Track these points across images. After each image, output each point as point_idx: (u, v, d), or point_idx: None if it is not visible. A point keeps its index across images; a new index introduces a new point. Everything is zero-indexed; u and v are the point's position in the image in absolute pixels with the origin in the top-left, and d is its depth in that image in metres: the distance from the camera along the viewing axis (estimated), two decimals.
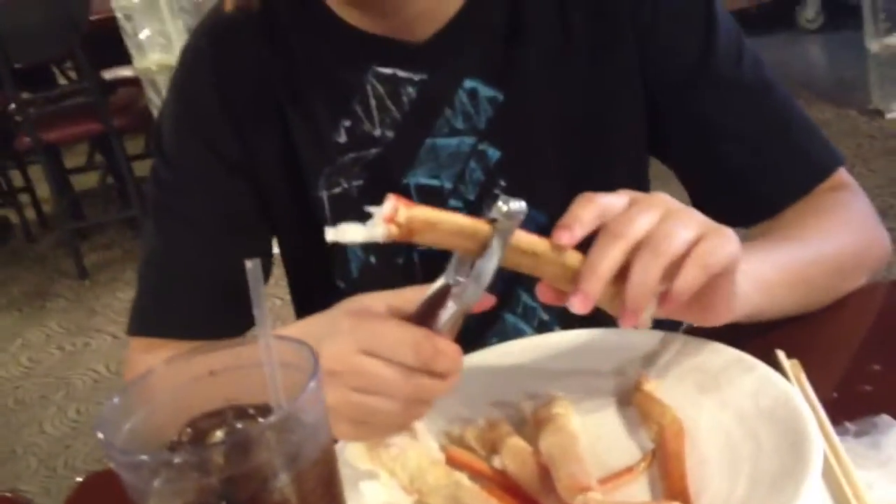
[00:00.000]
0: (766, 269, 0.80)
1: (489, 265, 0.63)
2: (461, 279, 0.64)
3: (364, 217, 0.97)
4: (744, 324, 0.79)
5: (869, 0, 4.09)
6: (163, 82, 4.03)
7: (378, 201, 0.98)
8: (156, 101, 4.15)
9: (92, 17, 4.13)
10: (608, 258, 0.65)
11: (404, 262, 0.98)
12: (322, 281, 1.01)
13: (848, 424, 0.70)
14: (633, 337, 0.81)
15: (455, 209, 0.97)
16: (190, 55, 1.01)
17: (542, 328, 1.01)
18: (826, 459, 0.64)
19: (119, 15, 3.88)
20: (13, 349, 3.85)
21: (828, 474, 0.64)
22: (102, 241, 4.83)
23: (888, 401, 0.72)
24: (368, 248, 0.99)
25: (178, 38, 3.89)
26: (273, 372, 0.52)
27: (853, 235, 0.94)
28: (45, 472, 2.91)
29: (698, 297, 0.68)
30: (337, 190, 0.98)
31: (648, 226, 0.66)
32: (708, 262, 0.66)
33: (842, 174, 0.98)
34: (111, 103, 4.41)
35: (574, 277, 0.66)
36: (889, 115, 4.11)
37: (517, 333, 1.00)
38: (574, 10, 0.96)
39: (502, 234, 0.62)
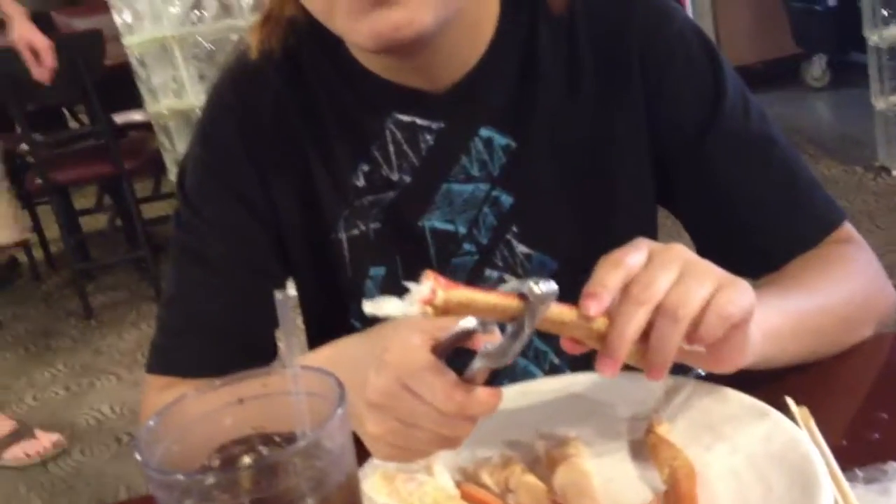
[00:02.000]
0: (774, 318, 0.82)
1: (521, 337, 0.65)
2: (490, 347, 0.66)
3: (383, 258, 1.00)
4: (754, 371, 0.80)
5: (875, 58, 4.15)
6: (174, 127, 4.09)
7: (395, 243, 1.01)
8: (167, 144, 4.20)
9: (106, 63, 4.20)
10: (632, 324, 0.68)
11: None
12: (338, 321, 1.03)
13: (857, 471, 0.71)
14: (646, 381, 0.82)
15: (468, 253, 1.00)
16: (215, 100, 1.03)
17: (553, 372, 1.03)
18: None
19: (133, 60, 3.94)
20: (18, 388, 3.85)
21: None
22: (109, 282, 4.85)
23: (894, 449, 0.74)
24: (385, 291, 1.00)
25: (191, 84, 3.95)
26: (300, 400, 0.54)
27: (860, 287, 0.96)
28: None
29: (711, 345, 0.71)
30: (355, 232, 1.00)
31: (668, 285, 0.69)
32: (725, 314, 0.69)
33: (847, 229, 1.00)
34: (122, 146, 4.46)
35: (600, 337, 0.69)
36: (894, 172, 4.14)
37: (528, 376, 1.02)
38: (585, 61, 0.98)
39: (533, 312, 0.65)
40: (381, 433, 0.70)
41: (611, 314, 0.69)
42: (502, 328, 0.67)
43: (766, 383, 0.82)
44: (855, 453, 0.73)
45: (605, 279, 0.69)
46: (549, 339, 0.99)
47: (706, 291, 0.69)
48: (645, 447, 0.78)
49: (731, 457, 0.74)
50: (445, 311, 0.62)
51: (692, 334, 0.69)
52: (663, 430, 0.78)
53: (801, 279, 0.93)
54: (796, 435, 0.73)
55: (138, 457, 0.48)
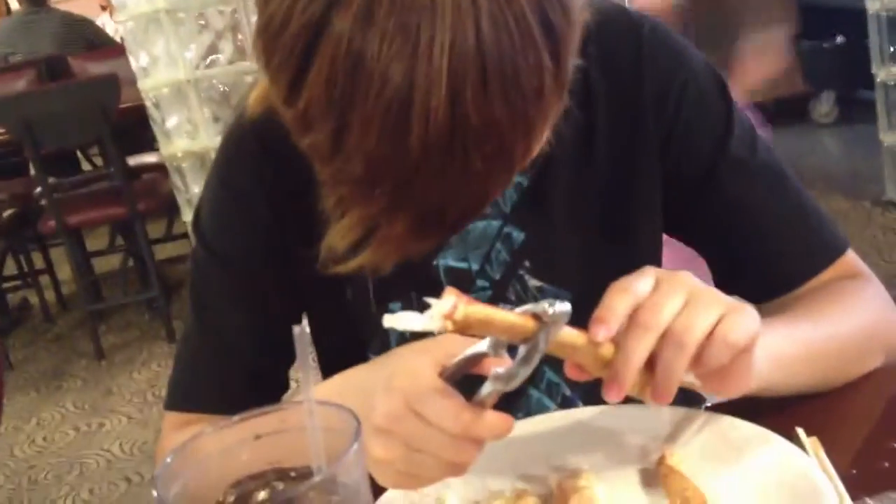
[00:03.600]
0: (781, 344, 0.83)
1: (533, 359, 0.67)
2: (500, 371, 0.67)
3: (398, 296, 1.01)
4: (762, 400, 0.81)
5: (883, 94, 4.17)
6: (188, 168, 4.11)
7: (410, 282, 1.02)
8: (179, 185, 4.22)
9: (121, 105, 4.25)
10: (639, 349, 0.70)
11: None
12: (352, 355, 1.04)
13: (867, 501, 0.72)
14: (657, 412, 0.83)
15: (481, 289, 1.01)
16: (232, 142, 1.04)
17: (566, 404, 1.03)
18: None
19: (148, 103, 3.98)
20: (28, 429, 3.85)
21: None
22: (120, 322, 4.87)
23: None
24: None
25: (205, 126, 3.98)
26: (315, 435, 0.55)
27: (869, 317, 0.96)
28: None
29: (717, 371, 0.72)
30: (370, 275, 1.01)
31: (674, 311, 0.70)
32: (731, 341, 0.70)
33: (854, 259, 1.02)
34: (135, 188, 4.49)
35: (606, 365, 0.70)
36: None
37: (541, 408, 1.03)
38: (600, 102, 1.00)
39: (547, 332, 0.66)
40: (387, 458, 0.70)
41: (618, 340, 0.70)
42: (511, 353, 0.68)
43: (776, 413, 0.82)
44: (865, 482, 0.74)
45: (613, 305, 0.71)
46: (562, 371, 1.00)
47: (712, 318, 0.70)
48: (656, 478, 0.78)
49: (742, 487, 0.75)
50: (465, 326, 0.63)
51: (697, 361, 0.70)
52: (674, 460, 0.78)
53: (810, 307, 0.94)
54: (806, 465, 0.73)
55: (155, 493, 0.49)
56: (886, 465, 0.78)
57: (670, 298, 0.71)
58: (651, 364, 0.70)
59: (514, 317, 0.66)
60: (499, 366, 0.68)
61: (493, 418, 0.68)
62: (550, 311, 0.66)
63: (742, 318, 0.71)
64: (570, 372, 0.73)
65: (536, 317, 0.66)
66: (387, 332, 1.02)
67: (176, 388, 1.04)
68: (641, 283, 0.72)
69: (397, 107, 0.62)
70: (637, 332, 0.70)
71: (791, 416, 0.83)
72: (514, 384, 0.67)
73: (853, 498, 0.71)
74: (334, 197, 0.72)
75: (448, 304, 0.62)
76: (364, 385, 0.75)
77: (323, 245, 0.76)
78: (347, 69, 0.63)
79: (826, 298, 0.96)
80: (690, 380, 0.73)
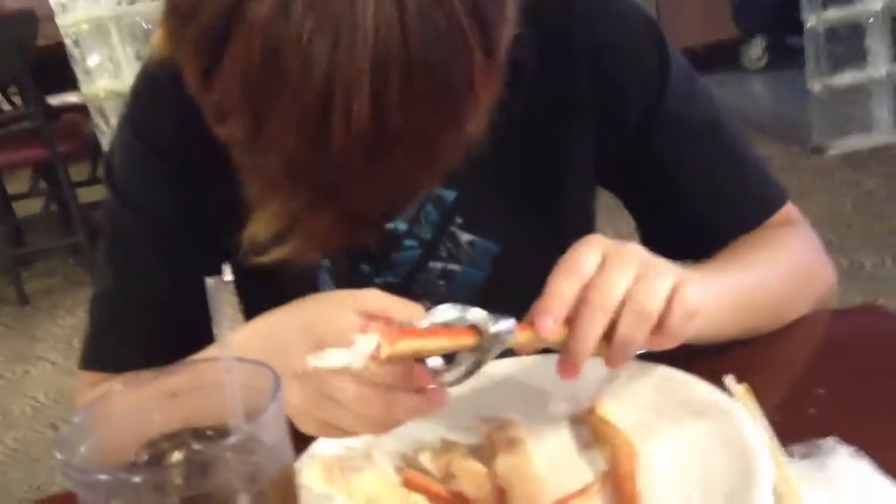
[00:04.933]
0: (714, 294, 0.82)
1: (474, 372, 0.66)
2: (445, 378, 0.66)
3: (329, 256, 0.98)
4: (692, 348, 0.80)
5: (812, 41, 4.21)
6: (111, 109, 3.99)
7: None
8: (103, 127, 4.10)
9: (39, 43, 4.09)
10: (593, 330, 0.69)
11: None
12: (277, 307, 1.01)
13: (794, 447, 0.72)
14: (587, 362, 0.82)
15: (410, 248, 0.99)
16: (141, 85, 1.00)
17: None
18: (775, 480, 0.66)
19: (67, 41, 3.84)
20: None
21: (777, 495, 0.66)
22: (44, 267, 4.75)
23: (832, 424, 0.74)
24: (337, 279, 0.99)
25: (128, 65, 3.86)
26: (233, 393, 0.52)
27: (799, 265, 0.96)
28: None
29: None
30: None
31: (626, 287, 0.70)
32: (689, 310, 0.71)
33: (790, 210, 1.01)
34: (56, 129, 4.35)
35: (561, 346, 0.70)
36: (829, 153, 4.22)
37: None
38: (526, 48, 0.97)
39: (487, 351, 0.65)
40: (303, 406, 0.66)
41: (570, 321, 0.69)
42: None
43: (704, 360, 0.82)
44: (792, 429, 0.74)
45: (558, 291, 0.69)
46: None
47: (668, 288, 0.70)
48: (586, 429, 0.78)
49: (672, 435, 0.74)
50: (392, 361, 0.62)
51: (657, 331, 0.70)
52: (604, 411, 0.77)
53: (741, 256, 0.94)
54: (735, 412, 0.73)
55: (59, 455, 0.46)
56: (813, 411, 0.79)
57: (621, 273, 0.70)
58: (606, 334, 0.70)
59: (447, 341, 0.64)
60: (442, 369, 0.66)
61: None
62: (493, 330, 0.65)
63: (694, 287, 0.72)
64: (564, 373, 0.71)
65: (475, 329, 0.65)
66: (315, 288, 1.00)
67: (92, 347, 0.99)
68: (587, 261, 0.71)
69: (317, 104, 0.59)
70: (590, 313, 0.69)
71: (720, 364, 0.82)
72: (450, 384, 0.66)
73: (782, 444, 0.71)
74: (254, 187, 0.69)
75: (372, 346, 0.61)
76: (280, 330, 0.72)
77: (245, 233, 0.73)
78: (263, 62, 0.59)
79: (757, 246, 0.96)
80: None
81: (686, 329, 0.72)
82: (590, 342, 0.69)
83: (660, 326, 0.71)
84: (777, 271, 0.93)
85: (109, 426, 0.52)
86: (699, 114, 0.99)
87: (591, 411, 0.78)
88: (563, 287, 0.69)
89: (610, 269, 0.70)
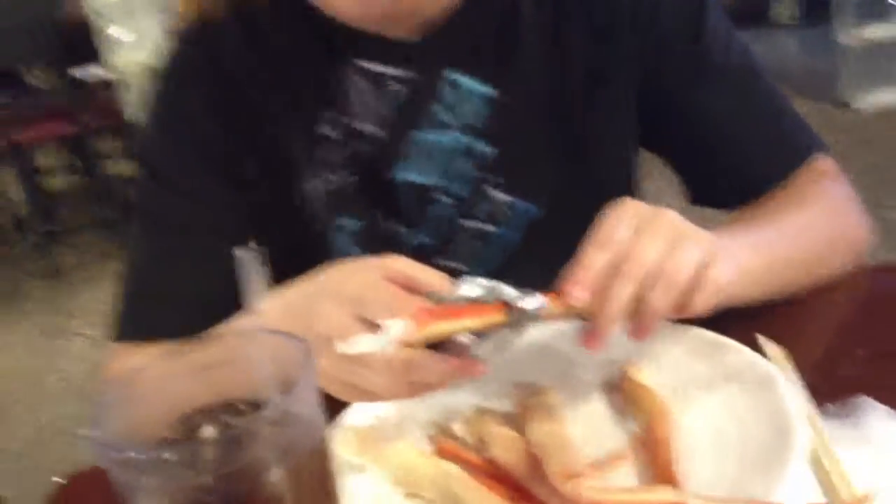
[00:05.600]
0: (746, 254, 0.81)
1: (505, 348, 0.67)
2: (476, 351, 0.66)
3: (355, 211, 0.98)
4: (726, 310, 0.79)
5: None
6: (137, 82, 4.00)
7: (368, 196, 0.98)
8: (130, 100, 4.12)
9: (63, 17, 4.09)
10: (622, 302, 0.68)
11: None
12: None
13: (830, 406, 0.71)
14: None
15: (445, 205, 0.98)
16: (173, 62, 1.00)
17: None
18: (810, 441, 0.65)
19: (91, 14, 3.85)
20: None
21: (812, 455, 0.65)
22: (77, 243, 4.78)
23: (868, 384, 0.73)
24: (358, 242, 0.98)
25: (153, 38, 3.86)
26: (265, 366, 0.52)
27: (832, 220, 0.95)
28: (16, 474, 2.88)
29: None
30: (323, 184, 0.97)
31: (658, 258, 0.69)
32: (720, 287, 0.71)
33: (826, 162, 1.00)
34: (83, 103, 4.36)
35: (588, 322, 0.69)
36: (860, 107, 4.15)
37: None
38: (571, 4, 0.96)
39: (517, 327, 0.66)
40: (333, 370, 0.66)
41: (598, 291, 0.68)
42: None
43: (739, 322, 0.81)
44: (828, 389, 0.73)
45: (590, 263, 0.69)
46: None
47: (698, 259, 0.70)
48: (619, 394, 0.77)
49: (707, 398, 0.74)
50: (423, 343, 0.63)
51: (683, 304, 0.70)
52: (638, 374, 0.77)
53: (774, 213, 0.93)
54: (770, 373, 0.72)
55: (92, 432, 0.46)
56: (848, 372, 0.77)
57: (652, 244, 0.69)
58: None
59: (474, 321, 0.65)
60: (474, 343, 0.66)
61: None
62: (523, 306, 0.65)
63: (726, 264, 0.71)
64: (588, 344, 0.70)
65: (505, 304, 0.65)
66: (340, 257, 0.99)
67: (126, 318, 1.00)
68: (620, 230, 0.70)
69: None
70: (619, 284, 0.68)
71: (754, 325, 0.81)
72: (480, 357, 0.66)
73: (818, 405, 0.71)
74: None
75: (402, 329, 0.62)
76: (309, 296, 0.72)
77: None
78: None
79: (791, 202, 0.94)
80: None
81: (711, 304, 0.72)
82: (617, 313, 0.68)
83: (685, 300, 0.70)
84: (810, 228, 0.92)
85: (140, 401, 0.51)
86: (735, 61, 0.99)
87: (624, 376, 0.77)
88: (594, 257, 0.69)
89: (642, 240, 0.69)
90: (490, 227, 0.99)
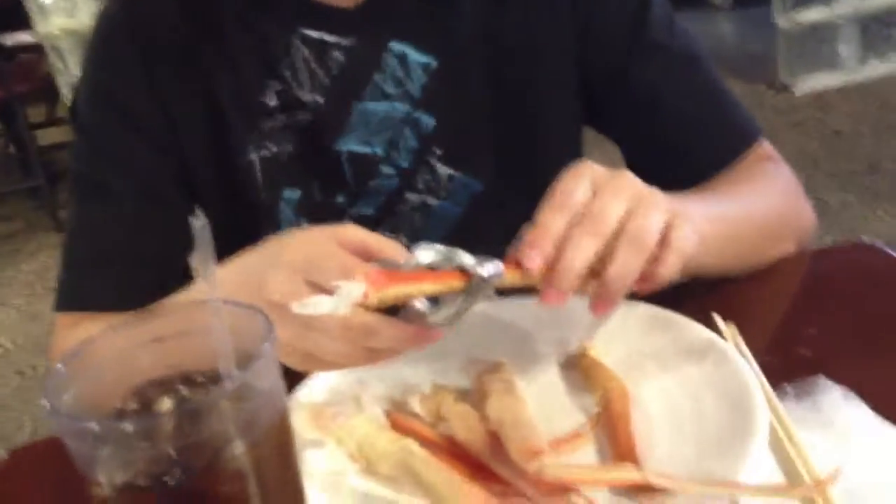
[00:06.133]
0: (702, 222, 0.80)
1: (461, 314, 0.64)
2: (433, 318, 0.65)
3: (298, 181, 0.96)
4: (678, 287, 0.79)
5: None
6: (66, 47, 3.90)
7: (310, 166, 0.97)
8: (59, 67, 4.01)
9: None
10: (582, 255, 0.65)
11: None
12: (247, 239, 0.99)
13: (787, 387, 0.71)
14: (576, 303, 0.80)
15: (388, 176, 0.97)
16: (105, 23, 0.97)
17: None
18: (769, 421, 0.65)
19: None
20: None
21: (772, 436, 0.65)
22: (4, 212, 4.65)
23: (824, 364, 0.74)
24: (301, 213, 0.96)
25: (84, 2, 3.75)
26: (223, 337, 0.50)
27: (781, 200, 0.96)
28: None
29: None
30: (266, 153, 0.95)
31: (619, 218, 0.66)
32: (684, 251, 0.68)
33: (766, 147, 1.01)
34: (11, 70, 4.24)
35: (547, 276, 0.66)
36: (795, 90, 4.22)
37: None
38: None
39: (475, 294, 0.64)
40: (287, 338, 0.64)
41: (559, 251, 0.66)
42: None
43: (693, 300, 0.81)
44: (783, 370, 0.73)
45: (548, 224, 0.66)
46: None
47: (661, 224, 0.67)
48: (577, 371, 0.77)
49: (663, 375, 0.74)
50: (379, 305, 0.61)
51: (648, 271, 0.67)
52: (595, 352, 0.76)
53: (725, 190, 0.93)
54: (726, 351, 0.73)
55: (45, 403, 0.44)
56: (803, 351, 0.78)
57: (615, 202, 0.66)
58: (594, 272, 0.67)
59: (433, 284, 0.63)
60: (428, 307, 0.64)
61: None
62: (480, 272, 0.63)
63: (689, 225, 0.69)
64: (548, 298, 0.67)
65: (462, 271, 0.63)
66: (278, 226, 0.97)
67: (68, 286, 0.97)
68: (578, 192, 0.67)
69: None
70: (579, 236, 0.65)
71: (708, 303, 0.82)
72: (435, 325, 0.65)
73: (773, 386, 0.71)
74: None
75: (358, 291, 0.60)
76: (260, 264, 0.70)
77: None
78: None
79: (739, 180, 0.95)
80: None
81: (676, 269, 0.69)
82: (578, 266, 0.65)
83: (652, 266, 0.68)
84: (760, 205, 0.93)
85: (95, 372, 0.49)
86: (678, 44, 0.99)
87: (581, 353, 0.77)
88: (552, 220, 0.66)
89: (603, 198, 0.67)
90: (432, 200, 0.98)
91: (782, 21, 4.21)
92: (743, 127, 1.00)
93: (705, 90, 0.99)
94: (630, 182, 0.69)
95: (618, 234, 0.66)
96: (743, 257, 0.90)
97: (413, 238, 0.98)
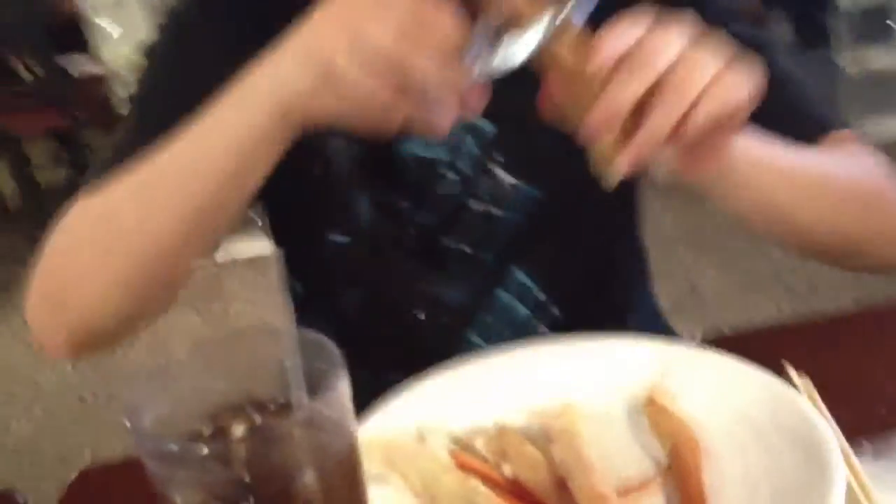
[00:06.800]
0: (757, 146, 0.78)
1: (528, 38, 0.64)
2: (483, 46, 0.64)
3: (366, 187, 0.94)
4: (750, 337, 0.77)
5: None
6: (125, 75, 3.97)
7: (374, 171, 0.95)
8: (120, 94, 4.09)
9: (57, 10, 4.07)
10: (632, 87, 0.63)
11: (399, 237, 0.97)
12: (313, 238, 0.98)
13: (865, 443, 0.69)
14: (645, 348, 0.79)
15: (451, 182, 0.96)
16: None
17: (539, 309, 0.99)
18: (847, 479, 0.63)
19: (86, 8, 3.82)
20: None
21: (848, 495, 0.63)
22: None
23: None
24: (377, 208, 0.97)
25: (146, 33, 3.84)
26: (295, 365, 0.50)
27: (871, 175, 0.91)
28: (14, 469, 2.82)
29: (693, 143, 0.66)
30: (345, 152, 0.95)
31: (673, 56, 0.64)
32: (728, 99, 0.64)
33: (851, 134, 0.95)
34: (73, 96, 4.32)
35: (584, 106, 0.64)
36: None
37: (509, 312, 0.98)
38: None
39: (555, 14, 0.63)
40: (329, 46, 0.65)
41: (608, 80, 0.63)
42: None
43: (764, 348, 0.79)
44: (860, 426, 0.71)
45: (610, 41, 0.64)
46: (534, 273, 0.97)
47: (714, 68, 0.64)
48: (644, 417, 0.75)
49: (736, 427, 0.71)
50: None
51: (683, 119, 0.64)
52: (664, 399, 0.74)
53: (808, 150, 0.88)
54: (802, 405, 0.70)
55: (127, 423, 0.44)
56: (882, 409, 0.75)
57: (670, 41, 0.64)
58: (632, 124, 0.64)
59: None
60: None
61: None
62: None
63: (742, 78, 0.65)
64: (543, 98, 0.67)
65: None
66: (351, 218, 0.97)
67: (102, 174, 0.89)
68: (637, 26, 0.65)
69: None
70: (632, 68, 0.63)
71: (780, 352, 0.79)
72: (501, 60, 0.65)
73: (849, 441, 0.68)
74: None
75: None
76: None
77: None
78: None
79: (832, 150, 0.91)
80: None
81: (710, 118, 0.65)
82: (626, 97, 0.62)
83: (694, 109, 0.63)
84: (842, 168, 0.88)
85: (172, 394, 0.49)
86: (762, 35, 0.96)
87: (649, 401, 0.75)
88: (613, 39, 0.64)
89: (659, 35, 0.64)
90: (496, 211, 0.97)
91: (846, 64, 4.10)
92: (830, 113, 0.96)
93: (793, 74, 0.95)
94: (689, 25, 0.66)
95: (665, 80, 0.63)
96: (806, 209, 0.85)
97: (477, 248, 0.97)
